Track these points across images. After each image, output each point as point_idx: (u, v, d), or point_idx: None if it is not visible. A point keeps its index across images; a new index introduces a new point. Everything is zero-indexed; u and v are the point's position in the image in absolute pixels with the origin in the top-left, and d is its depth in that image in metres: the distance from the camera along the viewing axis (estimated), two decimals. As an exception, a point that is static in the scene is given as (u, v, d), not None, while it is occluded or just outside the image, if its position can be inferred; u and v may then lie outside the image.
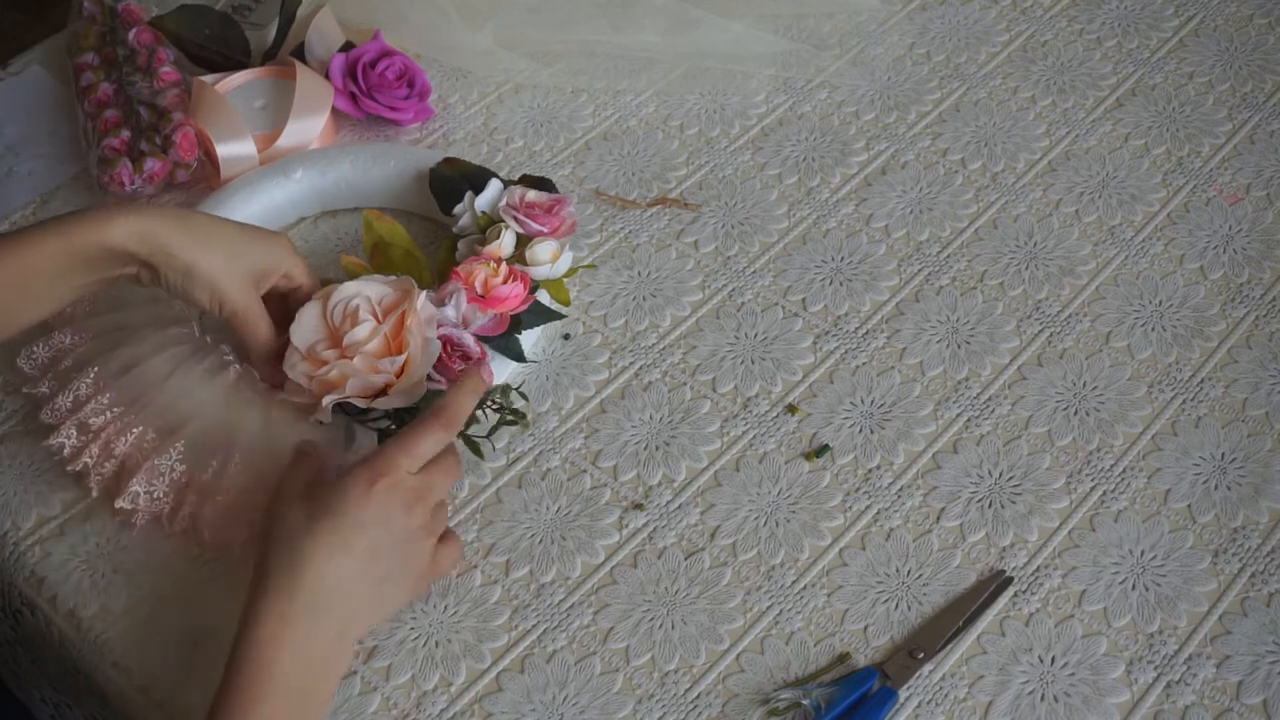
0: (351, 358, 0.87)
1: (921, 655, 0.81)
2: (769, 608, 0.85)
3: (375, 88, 1.10)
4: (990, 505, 0.89)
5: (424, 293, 0.90)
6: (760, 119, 1.14)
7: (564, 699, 0.81)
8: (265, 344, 0.90)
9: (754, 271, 1.03)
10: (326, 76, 1.11)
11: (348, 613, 0.77)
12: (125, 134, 1.08)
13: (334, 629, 0.76)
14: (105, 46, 1.15)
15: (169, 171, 1.07)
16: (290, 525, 0.77)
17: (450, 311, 0.92)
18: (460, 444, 0.90)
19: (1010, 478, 0.90)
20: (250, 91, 1.12)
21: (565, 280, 0.99)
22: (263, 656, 0.73)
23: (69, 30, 1.19)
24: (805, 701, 0.79)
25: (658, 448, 0.92)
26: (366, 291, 0.90)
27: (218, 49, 1.14)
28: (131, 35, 1.13)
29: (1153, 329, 0.98)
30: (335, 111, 1.11)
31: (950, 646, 0.82)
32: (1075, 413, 0.93)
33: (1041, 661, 0.82)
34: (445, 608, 0.85)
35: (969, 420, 0.93)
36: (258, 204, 1.05)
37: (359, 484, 0.77)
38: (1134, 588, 0.84)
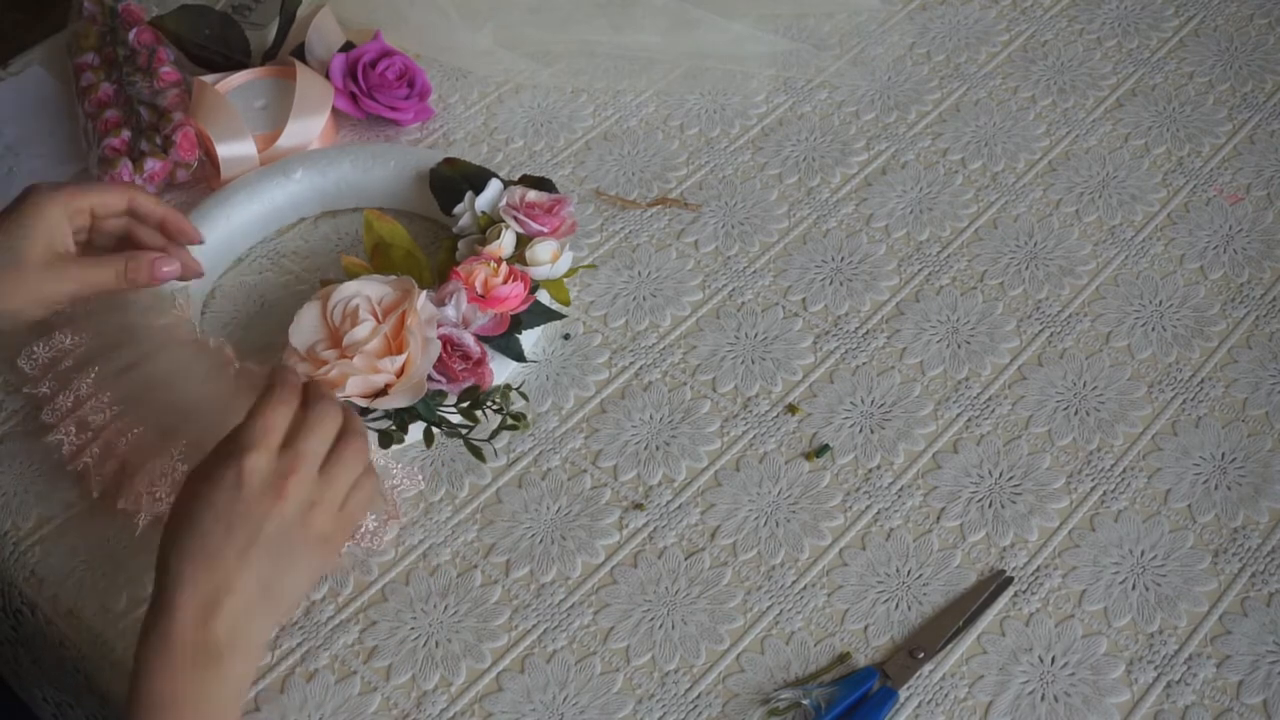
0: (351, 358, 0.87)
1: (921, 655, 0.81)
2: (769, 608, 0.85)
3: (375, 88, 1.10)
4: (990, 505, 0.89)
5: (424, 293, 0.90)
6: (760, 119, 1.14)
7: (564, 699, 0.81)
8: (111, 281, 0.89)
9: (754, 271, 1.03)
10: (326, 76, 1.11)
11: (249, 594, 0.73)
12: (125, 134, 1.08)
13: (234, 670, 0.73)
14: (105, 46, 1.15)
15: (169, 171, 1.07)
16: (169, 555, 0.73)
17: (450, 311, 0.92)
18: (462, 446, 0.91)
19: (1010, 478, 0.90)
20: (250, 91, 1.12)
21: (565, 280, 0.99)
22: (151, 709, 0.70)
23: (69, 30, 1.19)
24: (805, 701, 0.79)
25: (658, 448, 0.92)
26: (366, 291, 0.90)
27: (218, 49, 1.14)
28: (132, 35, 1.13)
29: (1153, 329, 0.98)
30: (335, 111, 1.12)
31: (950, 646, 0.82)
32: (1075, 413, 0.93)
33: (1041, 661, 0.82)
34: (445, 608, 0.85)
35: (969, 420, 0.93)
36: (258, 204, 1.05)
37: (214, 493, 0.73)
38: (1134, 588, 0.84)
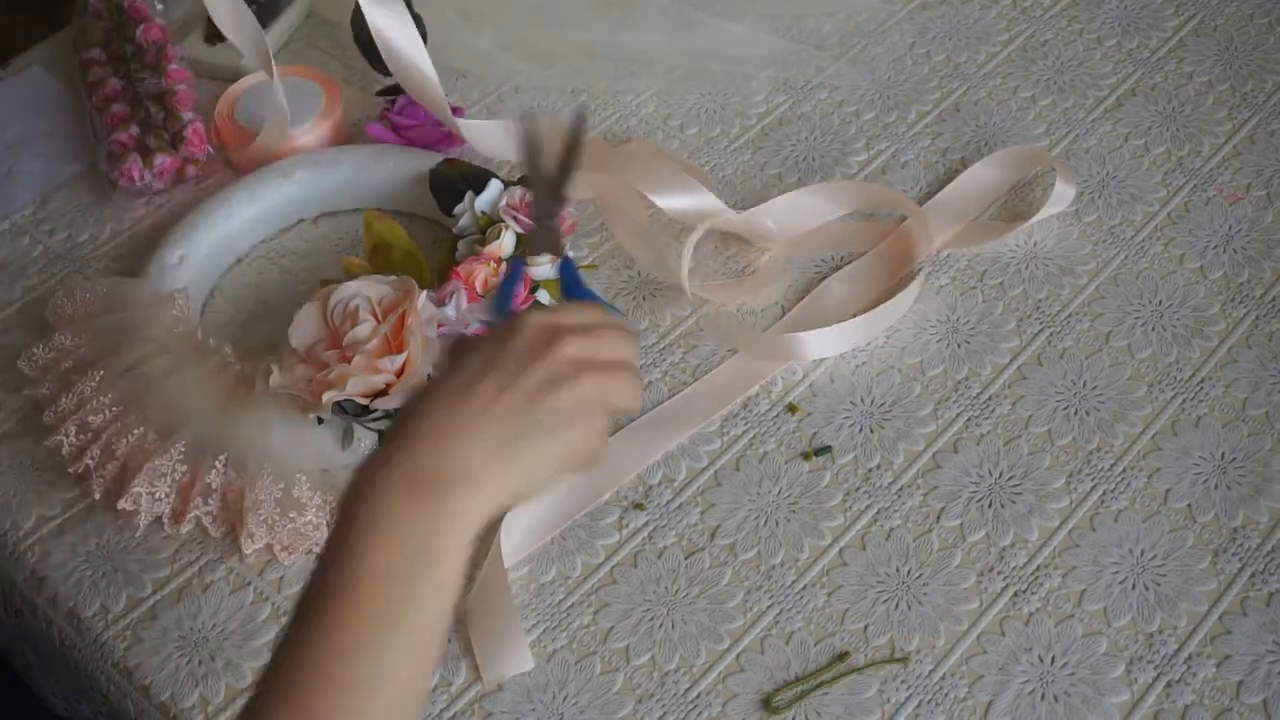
0: (351, 358, 0.87)
1: (549, 222, 0.74)
2: (769, 607, 0.85)
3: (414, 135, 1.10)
4: (990, 505, 0.89)
5: (424, 292, 0.90)
6: (760, 119, 1.14)
7: (564, 699, 0.81)
8: None
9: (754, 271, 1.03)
10: None
11: (473, 458, 0.62)
12: (134, 129, 1.08)
13: (453, 479, 0.61)
14: (112, 43, 1.15)
15: (179, 167, 1.08)
16: (420, 393, 0.66)
17: (450, 311, 0.92)
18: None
19: (1010, 477, 0.90)
20: (269, 90, 1.12)
21: (565, 280, 0.99)
22: (351, 520, 0.60)
23: (74, 26, 1.19)
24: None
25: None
26: (366, 291, 0.90)
27: None
28: (139, 32, 1.13)
29: (1153, 329, 0.98)
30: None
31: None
32: (1075, 412, 0.93)
33: (1041, 661, 0.82)
34: (445, 608, 0.85)
35: (969, 420, 0.93)
36: (258, 205, 1.05)
37: (485, 341, 0.65)
38: (1134, 587, 0.84)
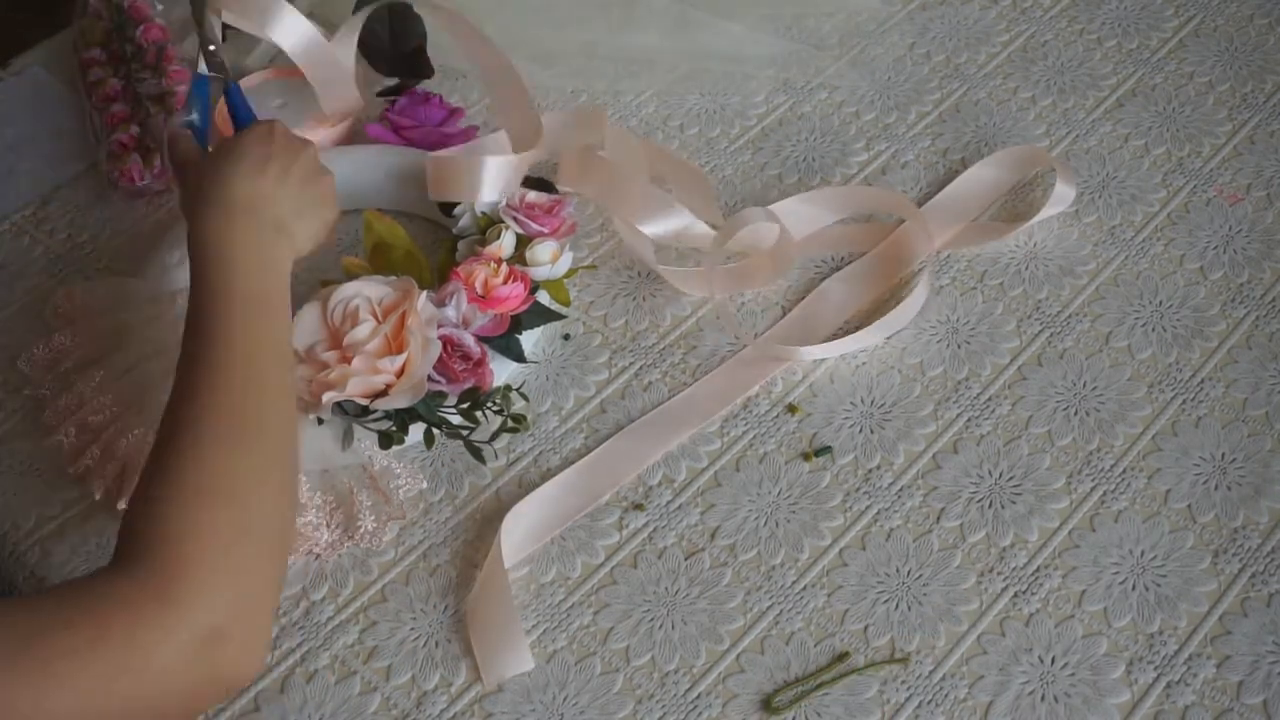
0: (351, 358, 0.87)
1: (213, 47, 0.94)
2: (769, 608, 0.85)
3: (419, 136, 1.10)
4: (990, 505, 0.89)
5: (424, 293, 0.90)
6: (760, 119, 1.14)
7: (564, 699, 0.81)
8: None
9: (754, 272, 1.03)
10: None
11: (280, 213, 0.83)
12: (134, 129, 1.08)
13: (270, 224, 0.82)
14: (112, 43, 1.15)
15: (179, 168, 1.08)
16: (209, 174, 0.83)
17: (450, 312, 0.92)
18: (462, 446, 0.91)
19: (1010, 478, 0.90)
20: (269, 90, 1.12)
21: (565, 280, 0.99)
22: (219, 259, 0.79)
23: (74, 26, 1.19)
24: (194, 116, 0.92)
25: (658, 448, 0.92)
26: (366, 292, 0.90)
27: None
28: (139, 32, 1.13)
29: (1153, 329, 0.98)
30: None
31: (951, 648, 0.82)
32: (1075, 413, 0.93)
33: (1041, 661, 0.82)
34: (445, 608, 0.85)
35: (969, 420, 0.93)
36: (258, 204, 1.05)
37: (252, 131, 0.86)
38: (1134, 588, 0.84)
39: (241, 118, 0.94)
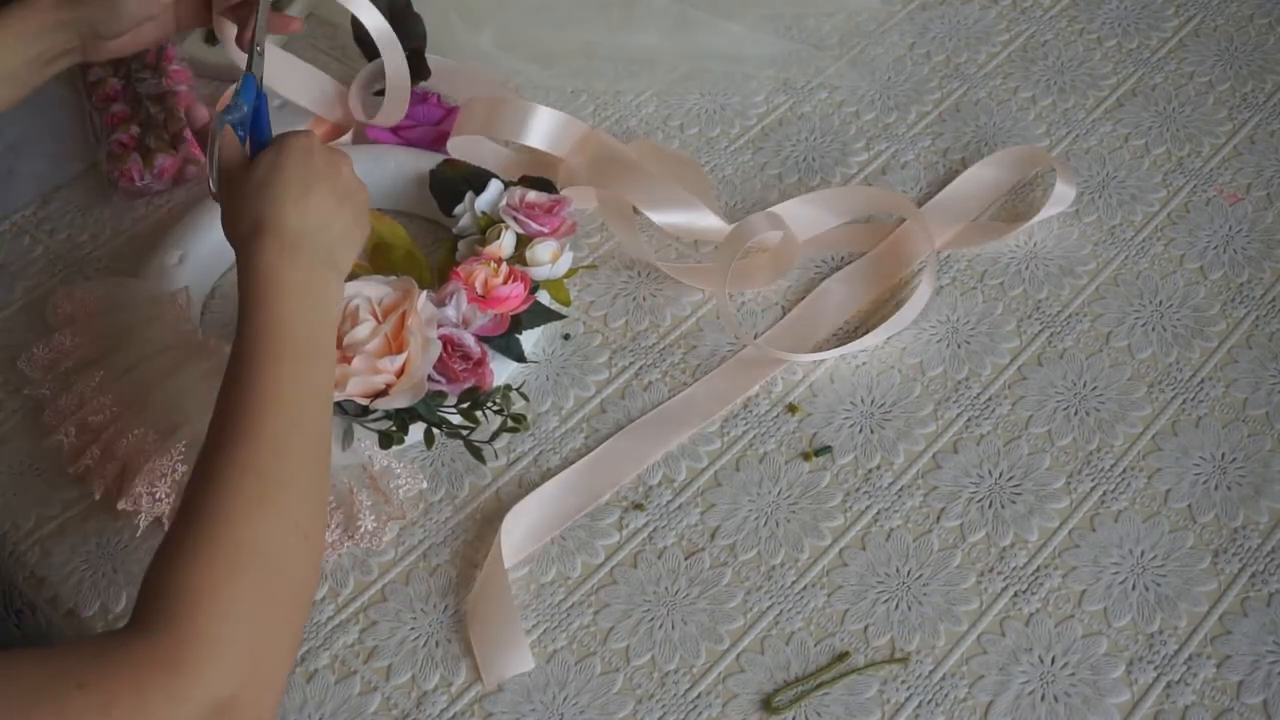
0: (351, 358, 0.87)
1: (260, 50, 0.89)
2: (769, 608, 0.85)
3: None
4: (990, 505, 0.89)
5: (424, 293, 0.90)
6: (760, 119, 1.14)
7: (564, 699, 0.81)
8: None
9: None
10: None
11: (328, 242, 0.81)
12: (134, 129, 1.08)
13: (321, 257, 0.80)
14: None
15: (179, 167, 1.08)
16: (257, 197, 0.80)
17: (450, 311, 0.92)
18: (462, 446, 0.91)
19: (1010, 478, 0.90)
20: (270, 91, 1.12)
21: (565, 280, 0.99)
22: (270, 298, 0.76)
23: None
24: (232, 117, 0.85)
25: (658, 448, 0.92)
26: (366, 291, 0.90)
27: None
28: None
29: (1153, 329, 0.98)
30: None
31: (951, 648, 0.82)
32: (1075, 413, 0.93)
33: (1041, 661, 0.82)
34: (445, 607, 0.85)
35: (969, 420, 0.93)
36: (258, 204, 1.05)
37: (291, 148, 0.82)
38: (1134, 588, 0.84)
39: (262, 129, 0.89)
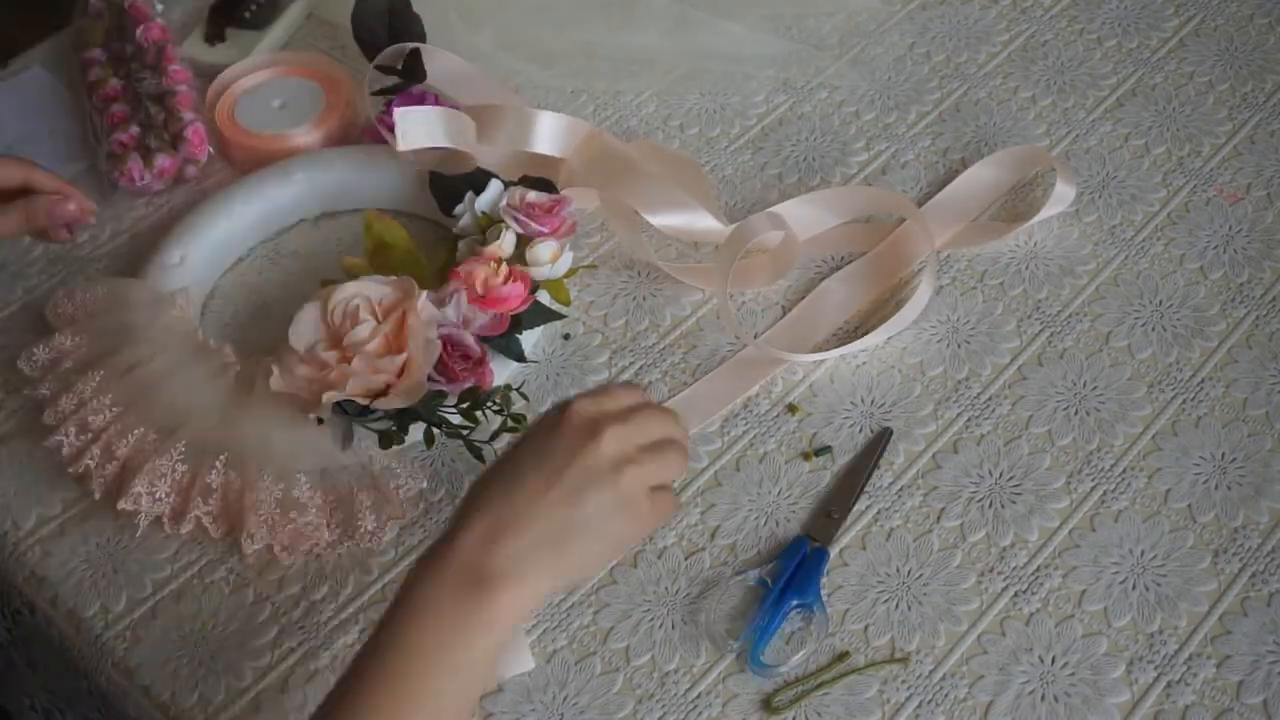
0: (351, 358, 0.87)
1: (836, 514, 0.87)
2: (769, 608, 0.85)
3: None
4: (990, 505, 0.89)
5: (424, 293, 0.90)
6: (760, 119, 1.14)
7: (564, 699, 0.81)
8: (13, 226, 0.93)
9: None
10: None
11: (516, 566, 0.68)
12: (134, 129, 1.08)
13: (501, 599, 0.67)
14: (113, 43, 1.15)
15: (179, 168, 1.08)
16: (477, 484, 0.72)
17: (451, 312, 0.92)
18: (462, 445, 0.91)
19: (1010, 478, 0.90)
20: (269, 91, 1.12)
21: (566, 280, 0.99)
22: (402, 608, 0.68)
23: (75, 26, 1.19)
24: (753, 581, 0.83)
25: (658, 448, 0.92)
26: (366, 292, 0.90)
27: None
28: (139, 32, 1.13)
29: (1153, 329, 0.98)
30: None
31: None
32: (1075, 413, 0.93)
33: (1041, 661, 0.82)
34: (445, 608, 0.85)
35: (969, 420, 0.93)
36: (258, 205, 1.05)
37: (535, 431, 0.72)
38: (1134, 588, 0.84)
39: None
